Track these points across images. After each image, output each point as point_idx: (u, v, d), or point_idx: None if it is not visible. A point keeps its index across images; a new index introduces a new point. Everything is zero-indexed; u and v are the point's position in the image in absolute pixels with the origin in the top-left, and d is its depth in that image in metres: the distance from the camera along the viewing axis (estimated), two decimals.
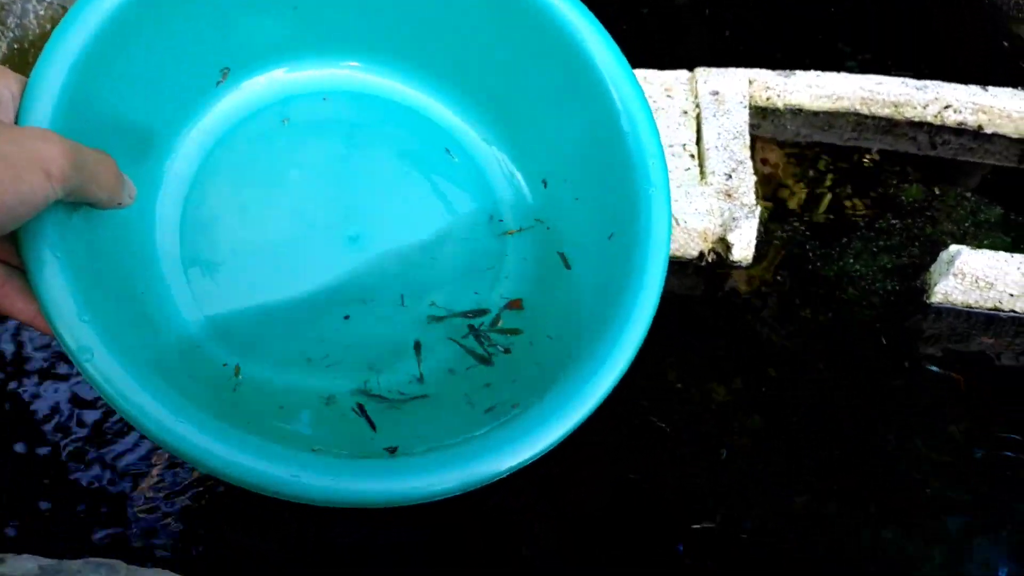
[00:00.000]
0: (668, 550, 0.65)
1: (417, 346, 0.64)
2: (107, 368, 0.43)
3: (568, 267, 0.66)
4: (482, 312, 0.66)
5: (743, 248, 0.88)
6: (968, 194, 0.97)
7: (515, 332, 0.65)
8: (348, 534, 0.65)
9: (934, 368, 0.79)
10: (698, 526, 0.67)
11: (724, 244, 0.89)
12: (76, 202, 0.41)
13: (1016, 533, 0.68)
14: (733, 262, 0.89)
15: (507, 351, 0.64)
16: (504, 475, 0.51)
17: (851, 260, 0.89)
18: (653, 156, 0.61)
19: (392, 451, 0.54)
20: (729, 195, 0.92)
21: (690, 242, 0.89)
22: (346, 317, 0.64)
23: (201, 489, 0.67)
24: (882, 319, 0.83)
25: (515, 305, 0.67)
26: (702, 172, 0.94)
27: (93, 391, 0.71)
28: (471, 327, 0.66)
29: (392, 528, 0.66)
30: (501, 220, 0.71)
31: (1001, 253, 0.83)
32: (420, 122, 0.72)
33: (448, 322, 0.66)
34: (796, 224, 0.93)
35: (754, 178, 0.93)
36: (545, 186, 0.70)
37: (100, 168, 0.40)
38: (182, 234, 0.62)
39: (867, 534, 0.68)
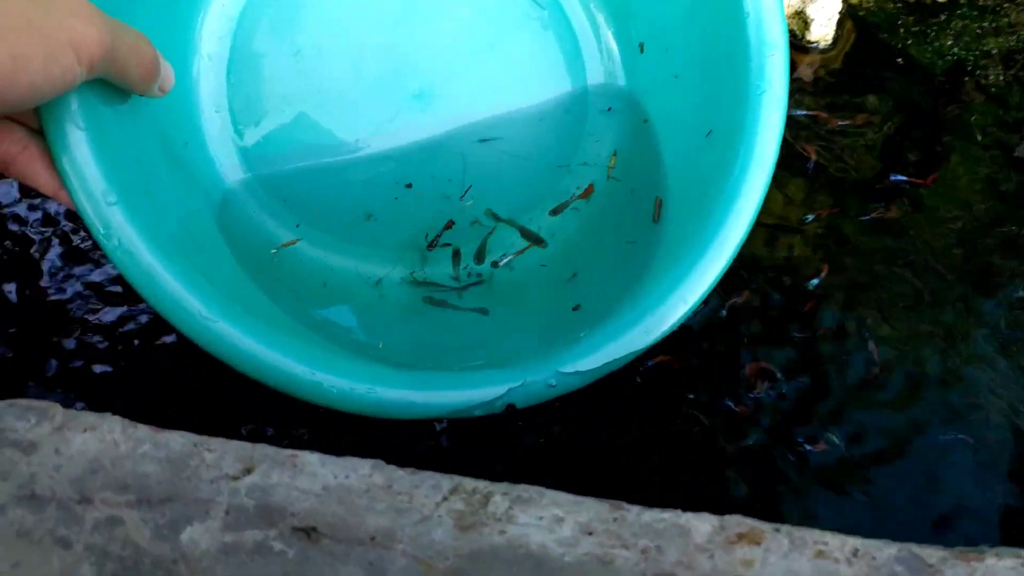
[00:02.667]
0: None
1: (456, 254, 0.57)
2: (135, 255, 0.39)
3: (660, 162, 0.55)
4: (537, 239, 0.58)
5: (823, 25, 0.72)
6: None
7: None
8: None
9: None
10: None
11: (801, 20, 0.73)
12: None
13: None
14: (809, 42, 0.73)
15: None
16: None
17: (949, 42, 0.74)
18: (774, 49, 0.48)
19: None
20: None
21: None
22: (408, 185, 0.57)
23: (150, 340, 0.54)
24: (982, 115, 0.70)
25: (587, 193, 0.58)
26: None
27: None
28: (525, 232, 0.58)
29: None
30: (587, 99, 0.59)
31: None
32: None
33: (503, 226, 0.58)
34: None
35: None
36: (642, 51, 0.58)
37: (134, 57, 0.36)
38: (229, 80, 0.55)
39: None
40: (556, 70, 0.60)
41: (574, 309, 0.51)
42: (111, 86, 0.38)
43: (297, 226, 0.55)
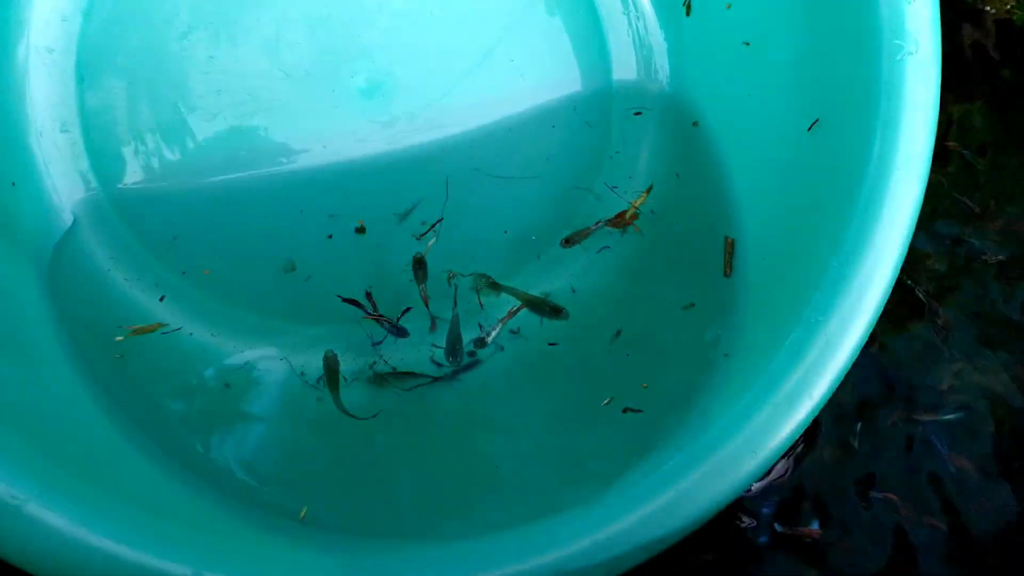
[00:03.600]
0: None
1: (458, 344, 0.40)
2: None
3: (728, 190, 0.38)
4: (553, 310, 0.40)
5: None
6: None
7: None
8: None
9: None
10: None
11: None
12: None
13: None
14: None
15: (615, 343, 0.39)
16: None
17: None
18: None
19: None
20: None
21: None
22: (359, 229, 0.41)
23: None
24: None
25: (617, 223, 0.41)
26: None
27: None
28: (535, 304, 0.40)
29: None
30: (611, 93, 0.43)
31: None
32: None
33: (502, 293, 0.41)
34: None
35: None
36: (689, 13, 0.41)
37: None
38: (80, 83, 0.38)
39: None
40: (566, 53, 0.43)
41: (624, 412, 0.33)
42: None
43: (161, 300, 0.38)
